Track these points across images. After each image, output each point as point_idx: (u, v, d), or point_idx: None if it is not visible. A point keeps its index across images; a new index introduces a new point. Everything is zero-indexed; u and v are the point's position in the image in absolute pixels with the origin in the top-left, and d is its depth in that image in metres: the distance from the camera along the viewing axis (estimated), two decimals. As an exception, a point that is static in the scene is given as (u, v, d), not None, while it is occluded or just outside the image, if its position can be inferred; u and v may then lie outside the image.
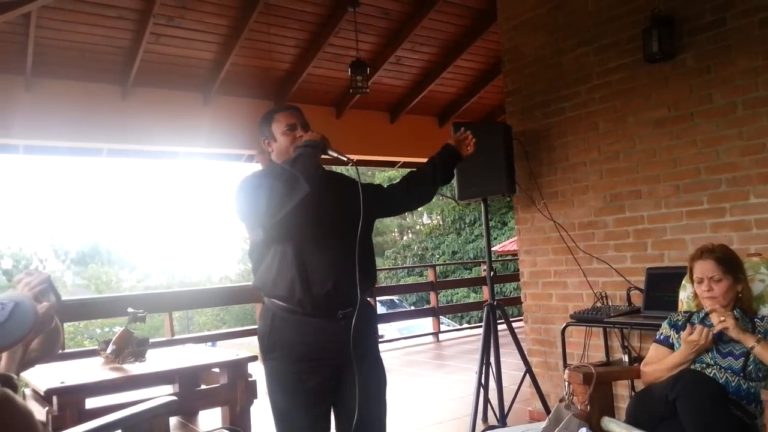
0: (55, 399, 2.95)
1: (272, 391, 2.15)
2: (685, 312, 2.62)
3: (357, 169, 2.16)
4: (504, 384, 3.58)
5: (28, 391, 3.46)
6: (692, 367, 2.35)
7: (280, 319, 2.11)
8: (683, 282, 2.78)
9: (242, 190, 2.10)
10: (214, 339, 7.80)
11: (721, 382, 2.26)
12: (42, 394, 3.00)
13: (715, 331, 2.30)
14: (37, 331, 1.39)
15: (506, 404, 3.58)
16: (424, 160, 2.40)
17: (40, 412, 3.03)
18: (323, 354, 2.10)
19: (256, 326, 7.44)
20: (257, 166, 7.49)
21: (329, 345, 2.10)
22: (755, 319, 2.38)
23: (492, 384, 3.58)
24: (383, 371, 2.26)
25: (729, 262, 2.40)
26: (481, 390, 3.51)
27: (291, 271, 2.06)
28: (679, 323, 2.52)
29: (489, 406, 3.60)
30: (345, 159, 2.12)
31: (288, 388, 2.10)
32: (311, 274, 2.06)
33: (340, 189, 2.28)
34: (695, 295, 2.57)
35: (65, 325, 6.63)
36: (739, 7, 3.19)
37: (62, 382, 2.99)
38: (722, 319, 2.29)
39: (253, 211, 2.05)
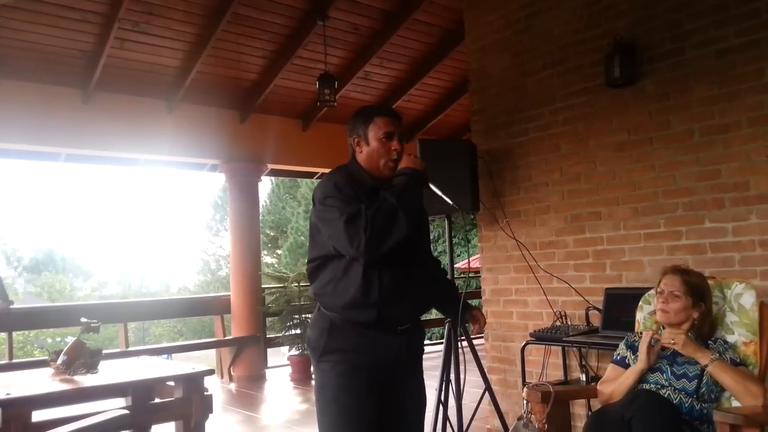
0: (-1, 411, 2.83)
1: (325, 389, 2.07)
2: (642, 332, 2.66)
3: (462, 213, 2.19)
4: (463, 401, 3.58)
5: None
6: (647, 387, 2.39)
7: (338, 327, 2.06)
8: (640, 303, 2.83)
9: (332, 209, 1.96)
10: (170, 351, 7.63)
11: (675, 402, 2.30)
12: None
13: (664, 343, 2.37)
14: None
15: (465, 422, 3.57)
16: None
17: (-17, 425, 2.91)
18: (378, 366, 2.06)
19: (213, 339, 7.35)
20: (220, 176, 7.42)
21: (385, 358, 2.07)
22: (708, 342, 2.43)
23: (451, 401, 3.57)
24: (425, 390, 2.26)
25: (694, 286, 2.45)
26: (441, 407, 3.50)
27: (364, 292, 2.00)
28: (636, 344, 2.56)
29: (448, 423, 3.59)
30: (450, 202, 2.12)
31: (343, 385, 2.02)
32: (384, 296, 2.01)
33: None
34: (652, 315, 2.62)
35: (15, 333, 6.41)
36: (696, 38, 3.30)
37: (8, 394, 2.87)
38: (673, 341, 2.33)
39: (349, 243, 1.90)
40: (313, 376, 2.19)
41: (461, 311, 2.35)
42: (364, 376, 2.03)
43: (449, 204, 2.12)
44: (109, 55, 5.43)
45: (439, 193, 2.07)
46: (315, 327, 2.12)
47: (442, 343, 3.68)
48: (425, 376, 2.27)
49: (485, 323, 2.39)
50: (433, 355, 8.00)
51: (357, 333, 2.04)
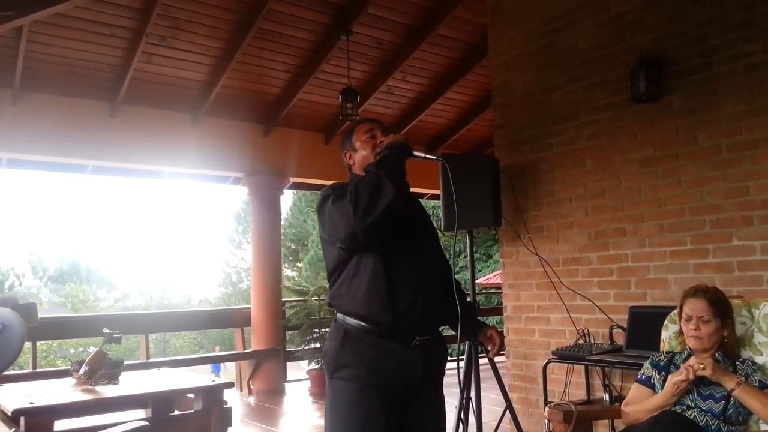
0: (22, 420, 2.85)
1: (336, 410, 1.97)
2: (668, 352, 2.60)
3: (448, 168, 2.00)
4: (484, 420, 3.53)
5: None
6: (672, 409, 2.33)
7: (352, 337, 1.95)
8: (666, 322, 2.77)
9: (326, 198, 1.97)
10: (190, 363, 7.65)
11: (701, 425, 2.24)
12: (9, 414, 2.90)
13: (697, 374, 2.28)
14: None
15: (485, 440, 3.52)
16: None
17: (5, 434, 2.93)
18: (393, 384, 1.94)
19: (234, 352, 7.36)
20: (243, 189, 7.48)
21: (401, 375, 1.95)
22: (737, 363, 2.37)
23: (471, 419, 3.52)
24: (444, 418, 2.09)
25: (720, 305, 2.39)
26: (461, 426, 3.45)
27: (376, 286, 1.91)
28: (662, 363, 2.50)
29: (468, 441, 3.54)
30: (434, 158, 2.01)
31: (355, 407, 1.92)
32: (398, 292, 1.91)
33: (421, 209, 2.19)
34: (678, 335, 2.56)
35: (38, 343, 6.49)
36: (724, 53, 3.25)
37: (31, 403, 2.89)
38: (702, 366, 2.27)
39: (340, 219, 1.87)
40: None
41: (475, 331, 2.20)
42: (379, 397, 1.91)
43: (433, 159, 2.07)
44: (136, 69, 5.52)
45: (424, 156, 2.02)
46: (330, 338, 2.05)
47: (461, 360, 3.64)
48: (445, 393, 2.17)
49: (502, 344, 2.19)
50: (453, 372, 7.94)
51: (372, 345, 1.93)
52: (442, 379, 2.10)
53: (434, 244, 2.14)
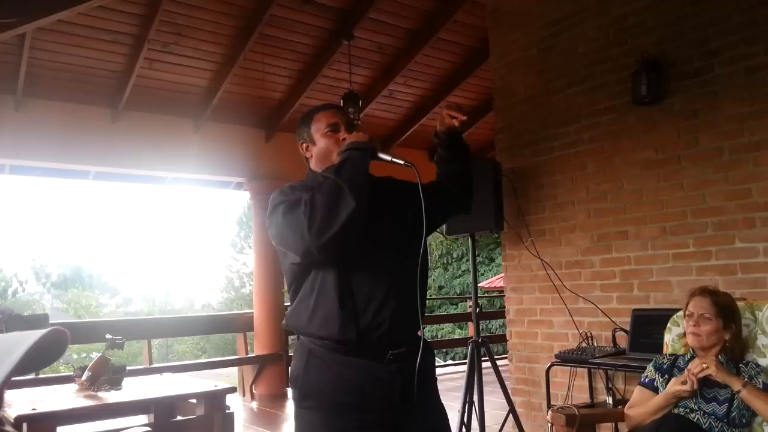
0: (25, 426, 2.84)
1: None
2: (671, 355, 2.60)
3: (418, 173, 1.72)
4: (487, 423, 3.53)
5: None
6: (676, 411, 2.32)
7: (316, 359, 1.71)
8: (669, 324, 2.77)
9: (277, 206, 1.72)
10: (193, 369, 7.64)
11: (704, 427, 2.23)
12: (12, 420, 2.90)
13: (699, 376, 2.28)
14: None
15: (489, 444, 3.52)
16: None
17: (8, 440, 2.93)
18: (369, 405, 1.69)
19: (236, 356, 7.36)
20: (245, 194, 7.49)
21: (376, 394, 1.69)
22: (740, 365, 2.36)
23: (474, 423, 3.51)
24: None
25: (725, 308, 2.39)
26: (464, 429, 3.44)
27: (332, 302, 1.67)
28: (664, 366, 2.50)
29: (471, 445, 3.53)
30: (401, 162, 1.76)
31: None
32: (359, 304, 1.68)
33: (397, 196, 1.87)
34: (681, 337, 2.56)
35: (41, 349, 6.45)
36: (725, 55, 3.26)
37: (33, 409, 2.89)
38: (704, 366, 2.26)
39: (293, 234, 1.64)
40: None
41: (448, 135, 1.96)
42: (356, 424, 1.67)
43: (401, 164, 1.77)
44: (138, 75, 5.54)
45: (390, 159, 1.78)
46: (295, 359, 1.79)
47: (465, 363, 3.63)
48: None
49: (463, 109, 1.91)
50: (456, 375, 7.92)
51: (338, 365, 1.69)
52: (435, 387, 1.85)
53: (407, 236, 1.80)
